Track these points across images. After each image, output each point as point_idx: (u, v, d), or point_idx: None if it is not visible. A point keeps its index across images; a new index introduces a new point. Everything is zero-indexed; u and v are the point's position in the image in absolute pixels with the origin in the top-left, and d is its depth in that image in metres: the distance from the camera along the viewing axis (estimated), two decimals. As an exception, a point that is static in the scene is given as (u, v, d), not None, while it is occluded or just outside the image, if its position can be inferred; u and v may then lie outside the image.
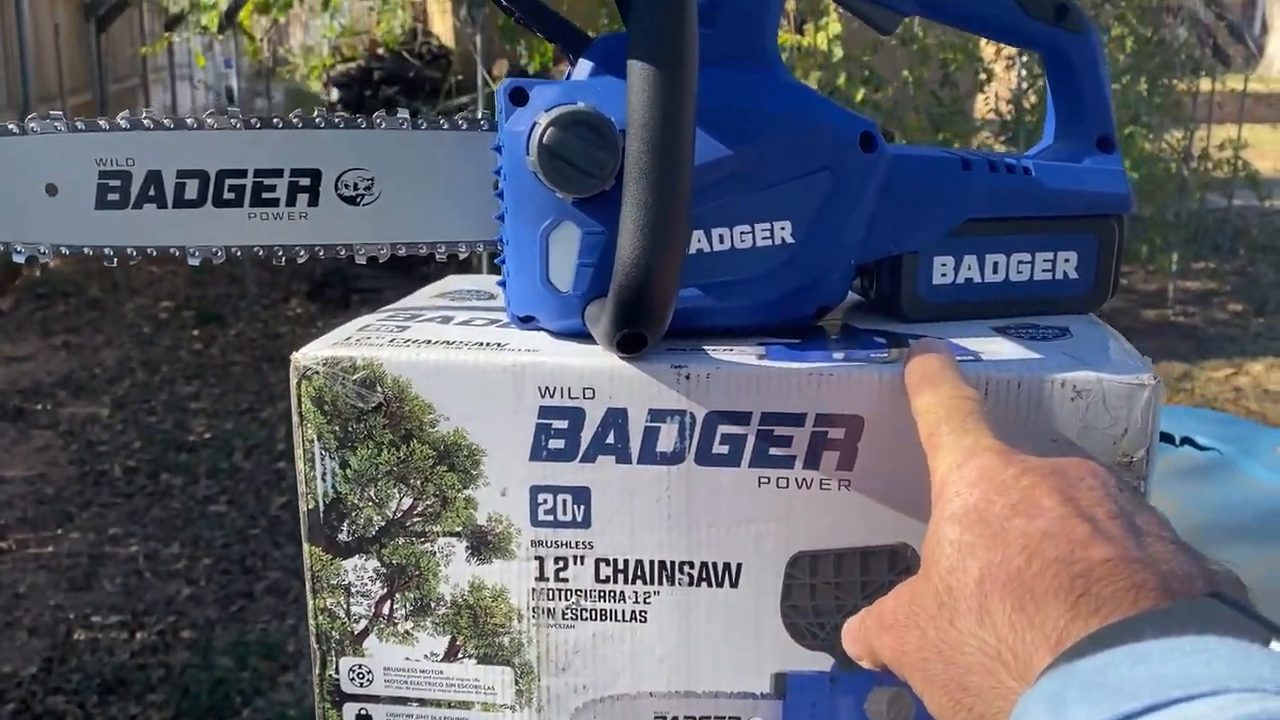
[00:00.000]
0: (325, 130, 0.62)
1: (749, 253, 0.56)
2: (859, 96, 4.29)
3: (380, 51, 5.87)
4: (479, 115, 0.63)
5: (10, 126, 0.59)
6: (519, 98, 0.56)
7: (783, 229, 0.56)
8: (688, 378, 0.52)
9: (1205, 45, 5.41)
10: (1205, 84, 5.83)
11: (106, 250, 0.61)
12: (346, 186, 0.62)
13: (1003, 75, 5.66)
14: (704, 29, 0.50)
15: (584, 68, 0.56)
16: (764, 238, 0.56)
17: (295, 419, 0.55)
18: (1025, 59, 5.45)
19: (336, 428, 0.55)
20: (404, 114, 0.62)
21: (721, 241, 0.56)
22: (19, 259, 0.61)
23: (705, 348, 0.55)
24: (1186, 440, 1.10)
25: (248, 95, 11.31)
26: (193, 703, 2.46)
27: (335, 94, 6.10)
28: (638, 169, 0.48)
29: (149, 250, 0.61)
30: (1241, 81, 6.47)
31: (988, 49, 5.40)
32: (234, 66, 10.13)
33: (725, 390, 0.52)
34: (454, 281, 0.73)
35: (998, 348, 0.55)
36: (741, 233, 0.56)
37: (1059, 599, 0.34)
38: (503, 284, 0.60)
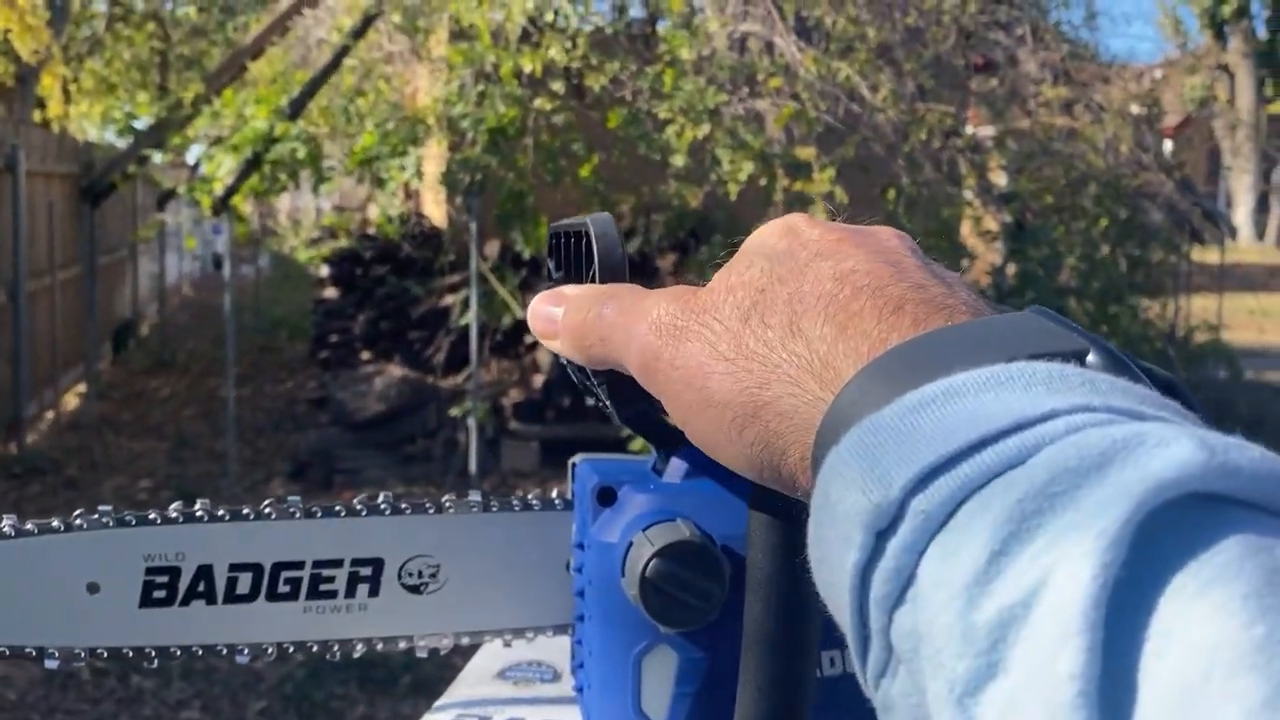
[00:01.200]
0: (390, 517, 0.57)
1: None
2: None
3: (371, 231, 5.95)
4: (553, 497, 0.59)
5: (53, 523, 0.55)
6: (607, 498, 0.52)
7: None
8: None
9: (1184, 229, 5.57)
10: (1184, 263, 5.98)
11: (148, 650, 0.56)
12: (410, 575, 0.58)
13: (984, 251, 5.79)
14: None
15: (677, 468, 0.53)
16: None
17: None
18: (1001, 238, 5.59)
19: None
20: (475, 496, 0.58)
21: (833, 665, 0.51)
22: (51, 665, 0.55)
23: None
24: None
25: (235, 261, 11.45)
26: None
27: (326, 270, 6.15)
28: (760, 631, 0.44)
29: (194, 649, 0.56)
30: (1217, 254, 6.65)
31: (963, 225, 5.53)
32: (223, 233, 10.28)
33: None
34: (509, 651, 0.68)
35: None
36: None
37: (872, 315, 0.33)
38: (580, 689, 0.55)
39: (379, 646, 0.58)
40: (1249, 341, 6.61)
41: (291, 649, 0.57)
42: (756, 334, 0.35)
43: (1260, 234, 16.73)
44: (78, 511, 0.55)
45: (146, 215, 8.84)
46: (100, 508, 0.55)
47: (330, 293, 6.20)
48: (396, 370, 5.76)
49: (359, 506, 0.57)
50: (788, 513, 0.44)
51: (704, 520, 0.50)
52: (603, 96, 4.49)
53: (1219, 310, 5.83)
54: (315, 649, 0.57)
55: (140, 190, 8.99)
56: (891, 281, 0.34)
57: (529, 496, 0.59)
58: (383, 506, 0.57)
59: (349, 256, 5.94)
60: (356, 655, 0.58)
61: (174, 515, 0.56)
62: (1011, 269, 5.63)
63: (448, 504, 0.58)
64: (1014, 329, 0.30)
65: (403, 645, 0.58)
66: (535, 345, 5.40)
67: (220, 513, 0.56)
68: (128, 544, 0.55)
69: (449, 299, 5.62)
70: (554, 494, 0.59)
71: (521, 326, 5.11)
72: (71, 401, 7.10)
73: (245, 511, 0.56)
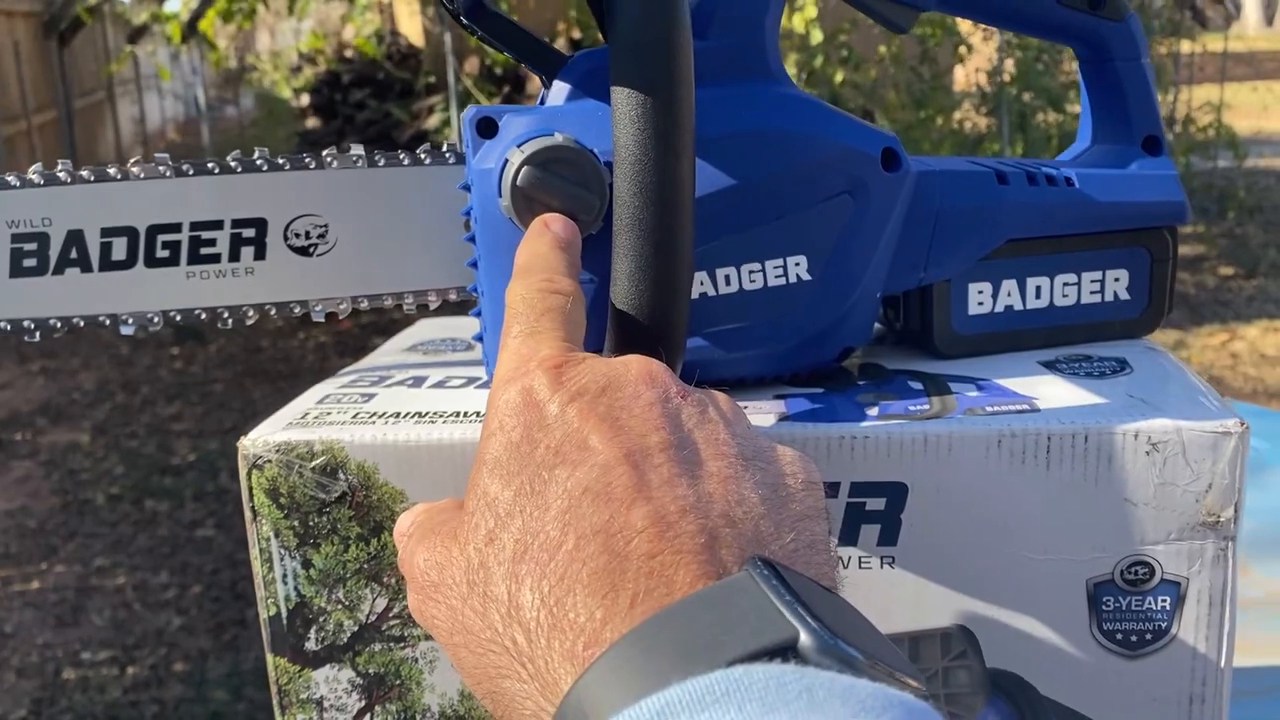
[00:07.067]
0: (268, 173, 0.54)
1: (760, 294, 0.49)
2: (839, 78, 4.21)
3: (348, 54, 5.76)
4: (443, 146, 0.55)
5: (-96, 190, 0.52)
6: (487, 129, 0.49)
7: (797, 264, 0.49)
8: (699, 448, 0.45)
9: (1184, 8, 5.35)
10: (1185, 45, 5.78)
11: (26, 324, 0.53)
12: (297, 236, 0.55)
13: (981, 47, 5.59)
14: (696, 42, 0.42)
15: (560, 91, 0.49)
16: (776, 276, 0.49)
17: (248, 514, 0.48)
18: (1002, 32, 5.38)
19: (295, 523, 0.47)
20: (358, 150, 0.55)
21: (728, 283, 0.48)
22: (-75, 339, 0.53)
23: (716, 406, 0.48)
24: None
25: (217, 102, 11.18)
26: (188, 739, 2.39)
27: (306, 99, 5.99)
28: (629, 214, 0.41)
29: (75, 320, 0.54)
30: (1220, 41, 6.42)
31: (965, 22, 5.33)
32: (200, 74, 10.00)
33: (744, 461, 0.45)
34: (426, 329, 0.66)
35: (1053, 391, 0.48)
36: (750, 272, 0.48)
37: (592, 590, 0.29)
38: (480, 338, 0.53)
39: (272, 312, 0.55)
40: (1251, 129, 6.45)
41: (178, 317, 0.54)
42: (477, 611, 0.32)
43: (1269, 19, 16.13)
44: (-70, 175, 0.52)
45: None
46: (-47, 169, 0.52)
47: (312, 122, 6.05)
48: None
49: (234, 163, 0.54)
50: (650, 82, 0.40)
51: (587, 137, 0.46)
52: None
53: (1220, 94, 5.66)
54: (204, 316, 0.55)
55: (111, 31, 8.71)
56: (622, 515, 0.30)
57: (419, 151, 0.56)
58: (260, 163, 0.54)
59: (328, 81, 5.77)
60: (250, 322, 0.55)
61: (35, 178, 0.52)
62: (1009, 64, 5.46)
63: (330, 159, 0.55)
64: (728, 614, 0.27)
65: (297, 311, 0.56)
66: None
67: (84, 173, 0.53)
68: (-12, 209, 0.52)
69: (431, 120, 5.48)
70: (444, 146, 0.55)
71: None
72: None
73: (112, 171, 0.53)
